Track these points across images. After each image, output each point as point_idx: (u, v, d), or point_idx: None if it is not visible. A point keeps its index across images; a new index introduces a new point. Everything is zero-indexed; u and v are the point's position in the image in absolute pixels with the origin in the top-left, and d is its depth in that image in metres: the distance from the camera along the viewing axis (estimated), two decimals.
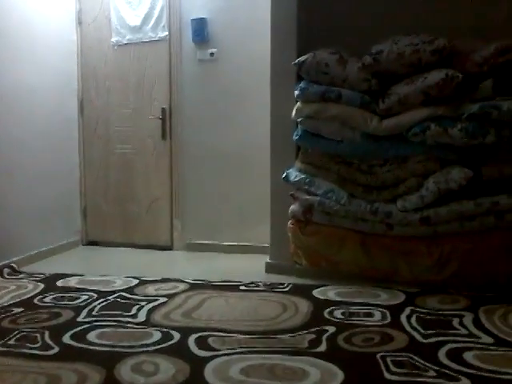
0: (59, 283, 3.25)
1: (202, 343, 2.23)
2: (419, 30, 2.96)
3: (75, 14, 4.36)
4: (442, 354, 2.07)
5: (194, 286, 3.14)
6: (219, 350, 2.15)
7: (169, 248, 4.32)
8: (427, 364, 1.98)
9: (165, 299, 2.88)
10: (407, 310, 2.64)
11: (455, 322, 2.44)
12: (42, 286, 3.20)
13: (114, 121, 4.39)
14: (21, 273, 3.52)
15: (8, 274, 3.44)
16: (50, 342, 2.26)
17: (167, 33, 4.14)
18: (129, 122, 4.35)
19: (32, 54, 3.84)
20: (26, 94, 3.78)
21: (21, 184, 3.73)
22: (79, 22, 4.38)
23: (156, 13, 4.15)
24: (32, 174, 3.86)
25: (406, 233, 3.00)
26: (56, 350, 2.18)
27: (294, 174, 3.21)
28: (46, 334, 2.36)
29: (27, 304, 2.83)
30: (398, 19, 3.22)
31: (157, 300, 2.86)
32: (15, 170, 3.68)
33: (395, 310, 2.63)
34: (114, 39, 4.31)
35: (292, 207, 3.25)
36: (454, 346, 2.15)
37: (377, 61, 2.95)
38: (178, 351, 2.15)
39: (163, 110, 4.23)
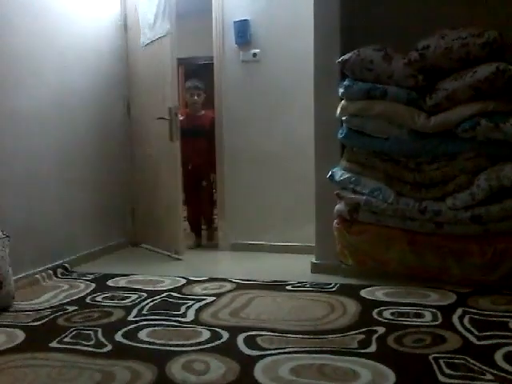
0: (109, 283, 3.34)
1: (250, 342, 2.24)
2: (465, 24, 2.89)
3: (122, 20, 4.43)
4: (498, 357, 1.99)
5: (240, 286, 3.16)
6: (268, 350, 2.16)
7: (215, 248, 4.37)
8: (483, 367, 1.92)
9: (212, 298, 2.91)
10: (459, 311, 2.57)
11: None
12: (93, 285, 3.29)
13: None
14: (73, 272, 3.63)
15: (61, 274, 3.55)
16: (104, 340, 2.32)
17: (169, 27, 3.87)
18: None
19: (79, 59, 3.94)
20: (74, 98, 3.89)
21: (71, 187, 3.84)
22: (125, 29, 4.46)
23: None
24: (83, 177, 3.97)
25: (457, 231, 2.93)
26: (109, 347, 2.24)
27: (339, 173, 3.19)
28: (99, 331, 2.42)
29: (80, 303, 2.92)
30: (442, 13, 3.14)
31: (204, 299, 2.90)
32: (67, 173, 3.79)
33: (446, 311, 2.57)
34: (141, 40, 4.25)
35: (338, 206, 3.22)
36: None
37: (423, 56, 2.89)
38: (228, 350, 2.17)
39: None
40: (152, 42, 4.11)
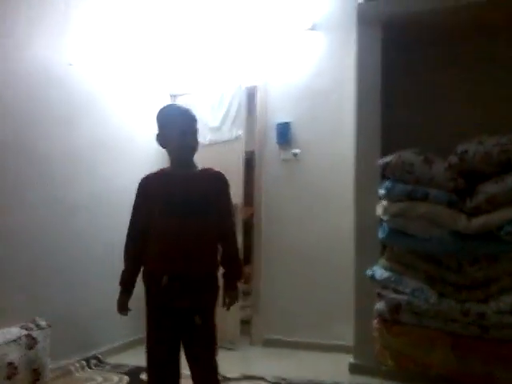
0: (143, 376, 3.27)
1: None
2: (502, 131, 3.00)
3: None
4: None
5: None
6: None
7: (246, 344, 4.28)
8: None
9: None
10: None
11: None
12: (126, 378, 3.23)
13: None
14: (106, 364, 3.59)
15: (95, 365, 3.51)
16: None
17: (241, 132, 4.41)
18: None
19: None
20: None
21: (112, 277, 3.86)
22: None
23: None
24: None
25: (504, 336, 2.84)
26: None
27: (379, 272, 3.18)
28: None
29: None
30: (480, 121, 3.29)
31: None
32: (108, 264, 3.83)
33: None
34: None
35: (378, 306, 3.17)
36: None
37: (463, 160, 2.97)
38: None
39: None
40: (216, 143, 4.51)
